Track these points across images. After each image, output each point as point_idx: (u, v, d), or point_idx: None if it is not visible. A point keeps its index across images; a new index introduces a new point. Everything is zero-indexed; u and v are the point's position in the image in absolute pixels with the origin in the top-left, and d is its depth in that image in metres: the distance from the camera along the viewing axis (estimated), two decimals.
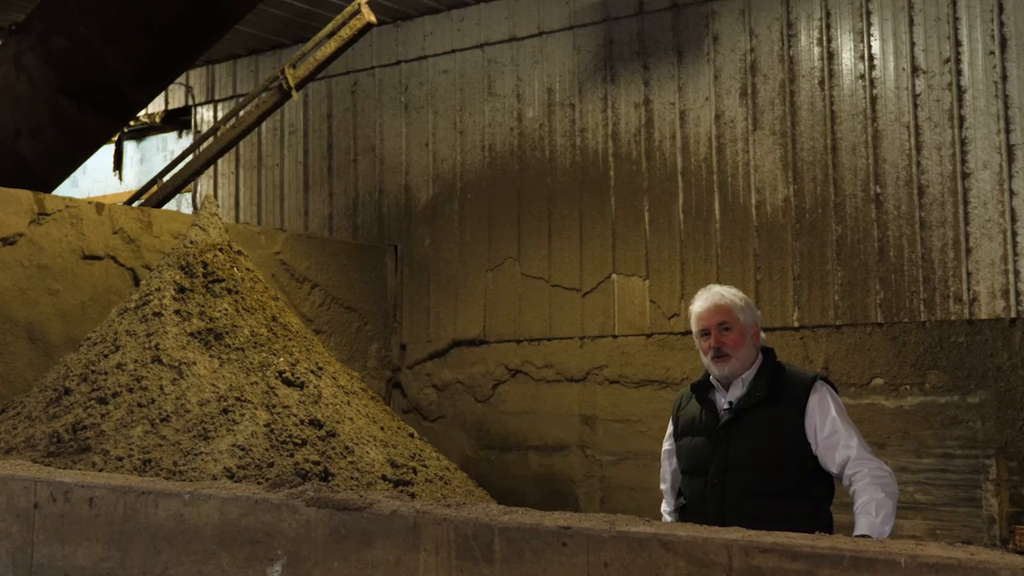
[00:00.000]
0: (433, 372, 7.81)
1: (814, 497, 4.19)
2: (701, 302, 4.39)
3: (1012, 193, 5.90)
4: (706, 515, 4.18)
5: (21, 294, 5.91)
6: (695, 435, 4.37)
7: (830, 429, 4.13)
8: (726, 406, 4.29)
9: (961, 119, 6.07)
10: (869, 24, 6.37)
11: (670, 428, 4.59)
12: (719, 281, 6.59)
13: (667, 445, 4.59)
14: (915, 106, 6.20)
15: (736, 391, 4.29)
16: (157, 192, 7.27)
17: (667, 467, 4.61)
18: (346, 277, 7.67)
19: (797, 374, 4.32)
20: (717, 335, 4.29)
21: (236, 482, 4.31)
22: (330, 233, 8.39)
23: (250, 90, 8.43)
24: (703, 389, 4.40)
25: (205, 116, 9.34)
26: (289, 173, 8.75)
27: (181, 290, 5.43)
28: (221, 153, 7.22)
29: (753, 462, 4.17)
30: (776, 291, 6.51)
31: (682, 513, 4.48)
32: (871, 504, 3.96)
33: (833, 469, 4.13)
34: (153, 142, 10.24)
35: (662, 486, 4.65)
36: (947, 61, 6.12)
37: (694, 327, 4.40)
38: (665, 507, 4.64)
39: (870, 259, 6.26)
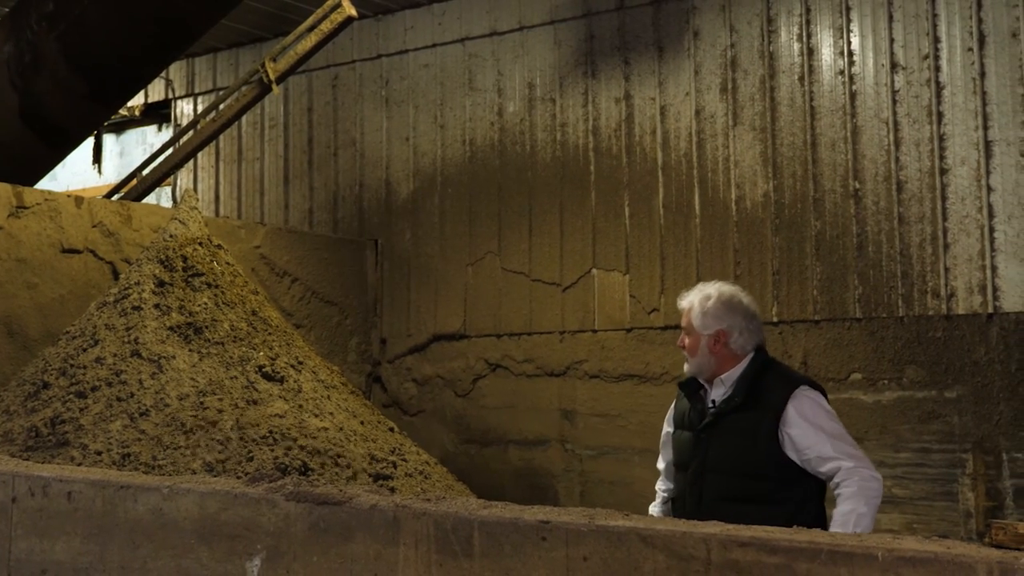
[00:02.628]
0: (413, 366, 7.81)
1: (793, 502, 4.17)
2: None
3: (990, 189, 5.93)
4: (685, 512, 4.24)
5: None
6: (684, 430, 4.41)
7: (812, 441, 4.09)
8: (710, 406, 4.31)
9: (939, 115, 6.10)
10: (849, 20, 6.39)
11: (671, 412, 4.60)
12: (698, 276, 6.63)
13: (667, 428, 4.62)
14: (894, 102, 6.23)
15: (718, 391, 4.32)
16: (137, 186, 7.25)
17: (663, 453, 4.65)
18: (326, 271, 7.66)
19: (782, 379, 4.27)
20: (681, 336, 4.42)
21: (215, 476, 4.31)
22: (310, 227, 8.37)
23: (230, 84, 8.40)
24: (692, 386, 4.43)
25: (185, 109, 9.31)
26: (269, 167, 8.72)
27: (161, 284, 5.42)
28: (201, 147, 7.20)
29: (729, 467, 4.19)
30: (755, 286, 6.53)
31: (671, 504, 4.52)
32: (851, 516, 3.97)
33: (823, 478, 4.13)
34: (133, 135, 10.20)
35: (659, 464, 4.67)
36: (926, 57, 6.15)
37: None
38: (660, 484, 4.68)
39: (849, 254, 6.29)
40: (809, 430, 4.10)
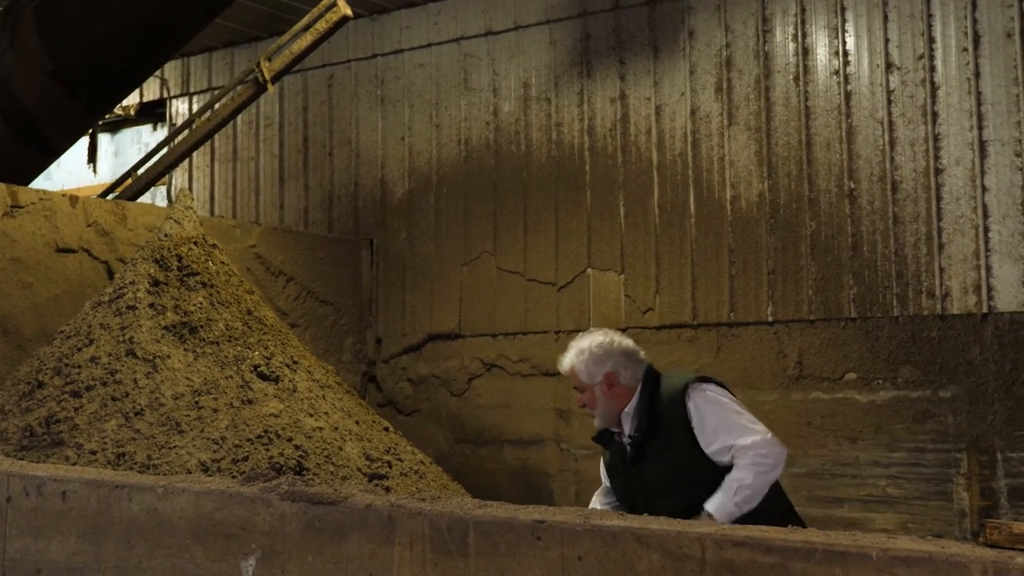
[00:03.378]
0: (408, 366, 7.81)
1: None
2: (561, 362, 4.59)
3: (984, 189, 5.94)
4: None
5: None
6: (616, 476, 4.53)
7: (712, 430, 4.19)
8: (628, 441, 4.41)
9: (934, 115, 6.10)
10: (844, 20, 6.40)
11: (602, 466, 4.70)
12: (693, 275, 6.64)
13: (605, 482, 4.71)
14: (889, 102, 6.23)
15: (628, 426, 4.41)
16: (132, 185, 7.24)
17: (597, 500, 4.73)
18: (321, 271, 7.65)
19: (672, 389, 4.35)
20: (578, 396, 4.53)
21: (210, 476, 4.31)
22: (305, 227, 8.37)
23: (225, 83, 8.39)
24: (605, 437, 4.55)
25: (180, 109, 9.30)
26: (264, 166, 8.72)
27: (155, 283, 5.41)
28: (196, 146, 7.20)
29: (671, 486, 4.26)
30: (750, 286, 6.53)
31: None
32: (734, 483, 4.07)
33: (722, 463, 4.20)
34: (128, 135, 10.19)
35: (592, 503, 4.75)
36: (921, 58, 6.15)
37: None
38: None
39: (844, 254, 6.29)
40: (709, 424, 4.21)
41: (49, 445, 4.77)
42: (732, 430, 4.17)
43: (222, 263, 5.79)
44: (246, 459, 4.69)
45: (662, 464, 4.28)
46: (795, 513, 4.42)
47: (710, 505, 4.06)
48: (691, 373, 4.65)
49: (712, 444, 4.18)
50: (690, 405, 4.23)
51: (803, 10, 6.52)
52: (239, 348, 5.32)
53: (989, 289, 5.89)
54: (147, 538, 3.22)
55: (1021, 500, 5.73)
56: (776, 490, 4.30)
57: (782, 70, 6.57)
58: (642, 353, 4.52)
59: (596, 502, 4.71)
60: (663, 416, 4.29)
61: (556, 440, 7.14)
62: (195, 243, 5.70)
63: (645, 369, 4.46)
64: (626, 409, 4.39)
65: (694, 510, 4.12)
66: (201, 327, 5.31)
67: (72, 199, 6.29)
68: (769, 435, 4.18)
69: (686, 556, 2.40)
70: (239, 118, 8.21)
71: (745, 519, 4.02)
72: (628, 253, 6.97)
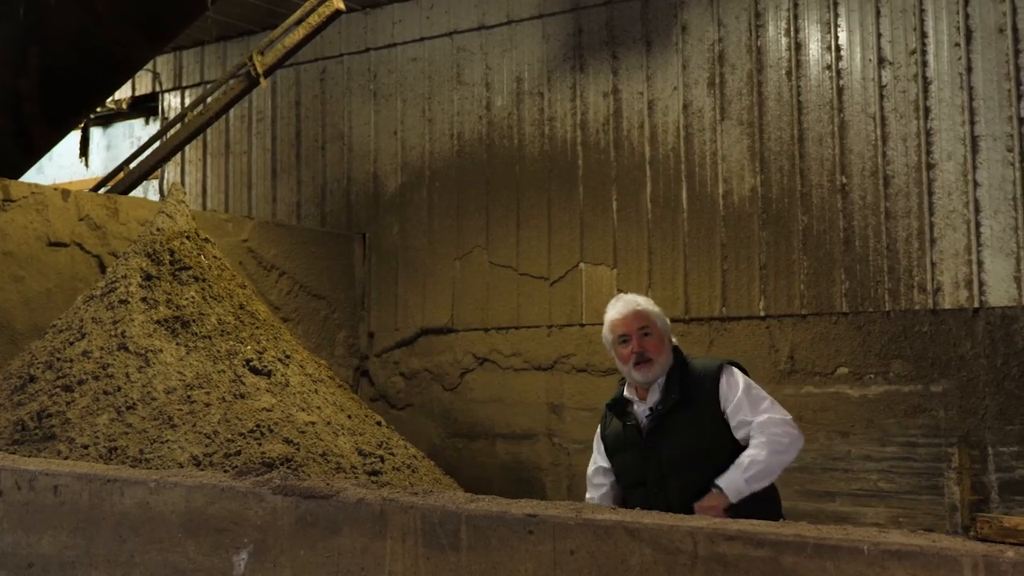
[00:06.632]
0: (401, 360, 7.81)
1: None
2: (619, 308, 4.38)
3: (976, 184, 5.95)
4: None
5: None
6: (624, 451, 4.37)
7: (737, 403, 4.15)
8: (647, 414, 4.29)
9: (926, 110, 6.11)
10: (836, 15, 6.40)
11: (596, 450, 4.52)
12: (686, 270, 6.64)
13: (592, 467, 4.55)
14: (881, 97, 6.24)
15: (653, 396, 4.29)
16: (124, 179, 7.23)
17: (593, 493, 4.55)
18: (314, 265, 7.65)
19: (704, 367, 4.30)
20: (639, 340, 4.28)
21: (202, 470, 4.30)
22: (298, 221, 8.36)
23: (218, 77, 8.38)
24: (621, 405, 4.40)
25: (172, 103, 9.28)
26: (257, 160, 8.71)
27: (148, 277, 5.41)
28: (188, 140, 7.19)
29: (687, 464, 4.18)
30: (743, 280, 6.54)
31: None
32: (746, 459, 4.02)
33: (740, 439, 4.16)
34: (120, 128, 10.17)
35: (589, 495, 4.60)
36: (913, 52, 6.16)
37: (611, 335, 4.36)
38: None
39: (836, 249, 6.30)
40: (738, 396, 4.17)
41: (41, 439, 4.77)
42: (755, 406, 4.13)
43: (214, 257, 5.79)
44: (238, 453, 4.69)
45: (682, 439, 4.19)
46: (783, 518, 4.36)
47: (721, 480, 4.00)
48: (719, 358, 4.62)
49: (734, 418, 4.14)
50: (723, 382, 4.19)
51: (796, 5, 6.53)
52: (231, 342, 5.32)
53: (980, 284, 5.90)
54: (139, 532, 3.22)
55: (1012, 494, 5.75)
56: (773, 494, 4.29)
57: (774, 65, 6.57)
58: None
59: (591, 483, 4.55)
60: (692, 391, 4.22)
61: (548, 434, 7.15)
62: (187, 237, 5.70)
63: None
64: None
65: (707, 489, 4.07)
66: (193, 321, 5.31)
67: (64, 193, 6.28)
68: (788, 417, 4.15)
69: (678, 550, 2.40)
70: (231, 112, 8.20)
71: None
72: (620, 248, 6.98)
